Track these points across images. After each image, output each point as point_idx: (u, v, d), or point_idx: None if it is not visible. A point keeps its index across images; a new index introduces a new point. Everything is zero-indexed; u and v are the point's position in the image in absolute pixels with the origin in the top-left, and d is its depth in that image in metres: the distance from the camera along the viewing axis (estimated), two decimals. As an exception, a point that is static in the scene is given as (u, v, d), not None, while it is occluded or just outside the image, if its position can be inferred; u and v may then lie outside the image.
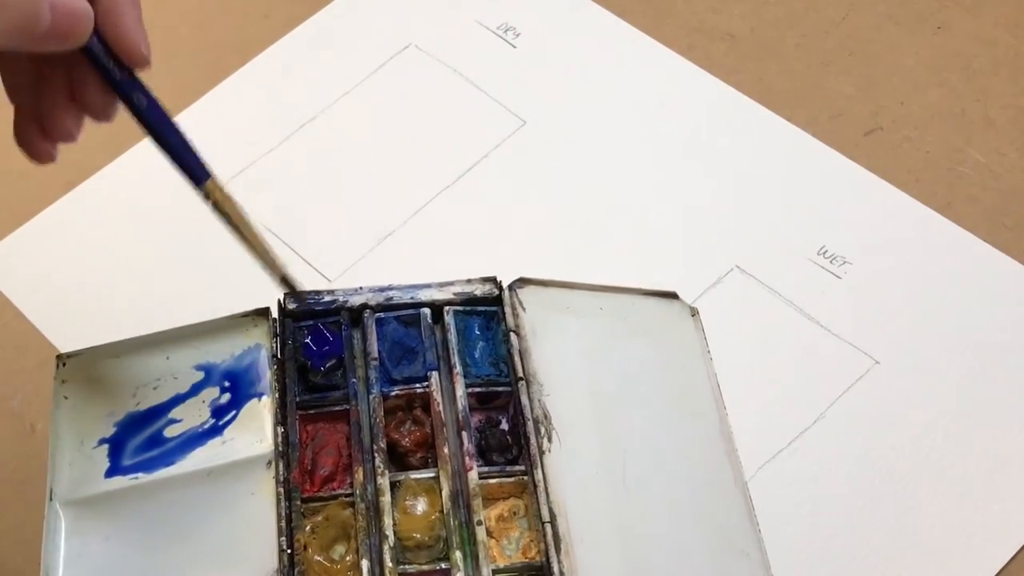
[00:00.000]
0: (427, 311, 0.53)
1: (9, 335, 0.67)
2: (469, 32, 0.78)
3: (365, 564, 0.46)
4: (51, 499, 0.49)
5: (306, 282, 0.68)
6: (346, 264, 0.69)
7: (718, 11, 0.78)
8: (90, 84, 0.47)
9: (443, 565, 0.47)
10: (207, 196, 0.49)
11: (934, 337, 0.65)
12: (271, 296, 0.67)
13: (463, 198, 0.71)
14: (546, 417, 0.50)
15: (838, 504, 0.59)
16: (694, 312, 0.55)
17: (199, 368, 0.52)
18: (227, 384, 0.52)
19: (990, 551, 0.58)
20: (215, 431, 0.51)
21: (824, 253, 0.68)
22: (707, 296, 0.66)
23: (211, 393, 0.52)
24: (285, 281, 0.52)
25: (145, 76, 0.81)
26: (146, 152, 0.74)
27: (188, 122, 0.75)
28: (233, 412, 0.51)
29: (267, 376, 0.51)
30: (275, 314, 0.53)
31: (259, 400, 0.51)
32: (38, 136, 0.48)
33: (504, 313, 0.53)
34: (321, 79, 0.77)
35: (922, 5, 0.78)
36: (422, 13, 0.80)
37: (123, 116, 0.50)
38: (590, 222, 0.70)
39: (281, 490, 0.48)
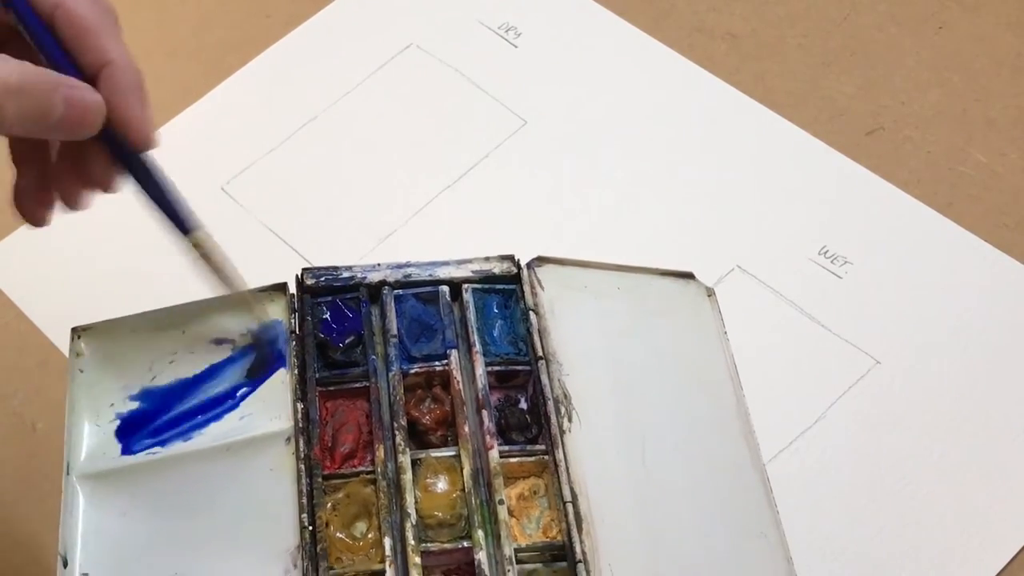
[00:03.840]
0: (446, 288, 0.53)
1: (9, 335, 0.67)
2: (470, 32, 0.78)
3: (388, 541, 0.46)
4: (68, 473, 0.49)
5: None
6: (347, 264, 0.68)
7: (719, 11, 0.78)
8: (96, 159, 0.48)
9: (465, 543, 0.47)
10: (195, 246, 0.49)
11: (935, 337, 0.65)
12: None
13: (464, 198, 0.71)
14: (566, 397, 0.50)
15: (839, 504, 0.59)
16: (710, 292, 0.55)
17: (216, 342, 0.52)
18: (244, 359, 0.52)
19: (990, 551, 0.58)
20: (233, 406, 0.51)
21: (825, 253, 0.68)
22: (708, 296, 0.66)
23: (228, 367, 0.51)
24: (262, 335, 0.51)
25: (147, 76, 0.81)
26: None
27: (189, 122, 0.75)
28: (250, 387, 0.51)
29: (285, 351, 0.51)
30: (293, 289, 0.53)
31: (277, 375, 0.51)
32: (37, 203, 0.49)
33: (523, 291, 0.53)
34: (322, 79, 0.77)
35: (923, 5, 0.78)
36: (423, 13, 0.80)
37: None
38: (590, 222, 0.70)
39: (302, 466, 0.48)
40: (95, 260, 0.69)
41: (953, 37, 0.77)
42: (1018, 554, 0.58)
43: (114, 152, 0.47)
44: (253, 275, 0.68)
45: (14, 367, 0.66)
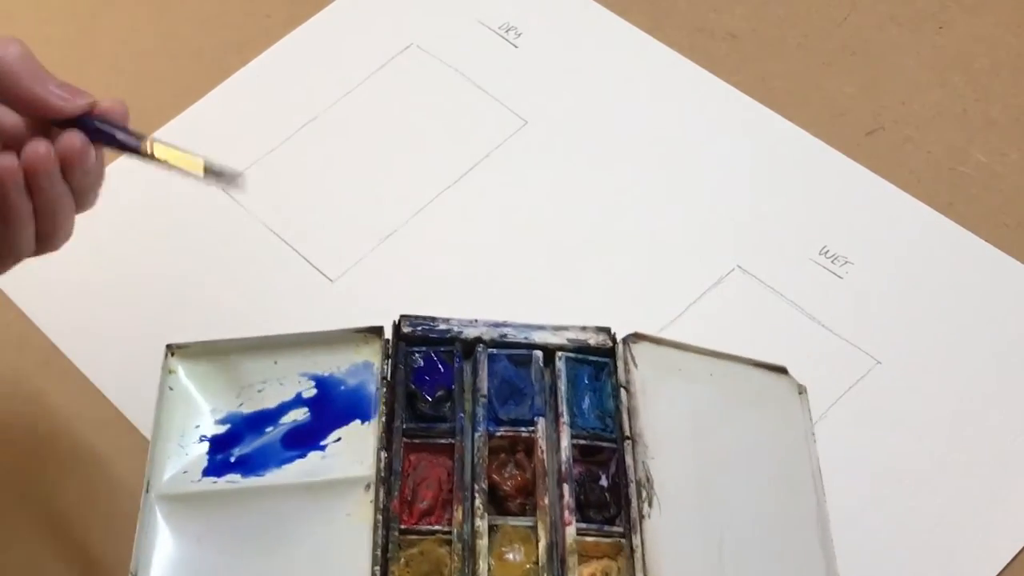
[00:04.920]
0: (539, 353, 0.53)
1: (10, 335, 0.67)
2: (471, 32, 0.78)
3: None
4: (147, 491, 0.49)
5: (307, 281, 0.68)
6: (348, 264, 0.69)
7: (720, 11, 0.78)
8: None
9: None
10: (154, 157, 0.50)
11: (936, 337, 0.65)
12: (274, 297, 0.67)
13: (464, 198, 0.71)
14: (648, 481, 0.49)
15: (839, 504, 0.59)
16: (802, 390, 0.55)
17: (306, 377, 0.52)
18: (333, 398, 0.51)
19: (991, 551, 0.58)
20: (317, 444, 0.50)
21: (826, 253, 0.68)
22: (708, 296, 0.66)
23: (316, 404, 0.51)
24: (210, 172, 0.50)
25: (147, 76, 0.81)
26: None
27: (190, 122, 0.75)
28: (337, 427, 0.51)
29: (375, 397, 0.51)
30: (388, 335, 0.53)
31: (364, 420, 0.51)
32: None
33: (616, 367, 0.52)
34: (322, 79, 0.77)
35: (924, 5, 0.78)
36: (423, 13, 0.79)
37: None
38: (591, 222, 0.70)
39: (380, 517, 0.47)
40: (96, 260, 0.69)
41: (953, 37, 0.76)
42: (1018, 554, 0.58)
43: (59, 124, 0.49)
44: (253, 275, 0.69)
45: (14, 367, 0.66)
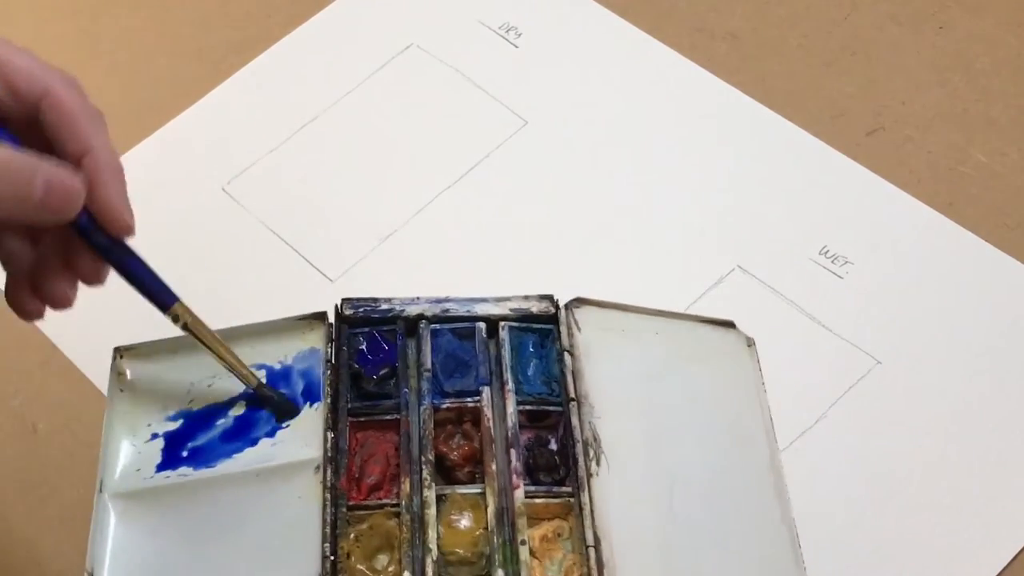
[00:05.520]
0: (482, 325, 0.53)
1: (10, 335, 0.67)
2: (471, 32, 0.78)
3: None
4: (100, 491, 0.49)
5: (307, 281, 0.68)
6: (348, 264, 0.69)
7: (720, 11, 0.78)
8: (84, 251, 0.48)
9: None
10: (176, 318, 0.50)
11: (936, 337, 0.65)
12: (274, 297, 0.67)
13: (465, 198, 0.71)
14: (596, 440, 0.50)
15: (839, 504, 0.59)
16: (750, 342, 0.55)
17: (254, 367, 0.52)
18: (281, 385, 0.52)
19: (991, 551, 0.58)
20: (266, 432, 0.51)
21: (826, 253, 0.68)
22: (708, 296, 0.66)
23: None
24: (261, 388, 0.51)
25: (148, 76, 0.81)
26: (147, 153, 0.74)
27: (189, 122, 0.75)
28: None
29: (320, 380, 0.51)
30: (332, 319, 0.53)
31: (311, 404, 0.51)
32: (30, 298, 0.49)
33: (559, 332, 0.53)
34: (323, 79, 0.77)
35: (924, 5, 0.78)
36: (424, 13, 0.80)
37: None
38: (591, 222, 0.70)
39: (328, 496, 0.48)
40: (95, 260, 0.69)
41: (953, 37, 0.76)
42: (1018, 554, 0.58)
43: (92, 239, 0.47)
44: (254, 275, 0.69)
45: (14, 367, 0.66)
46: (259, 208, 0.71)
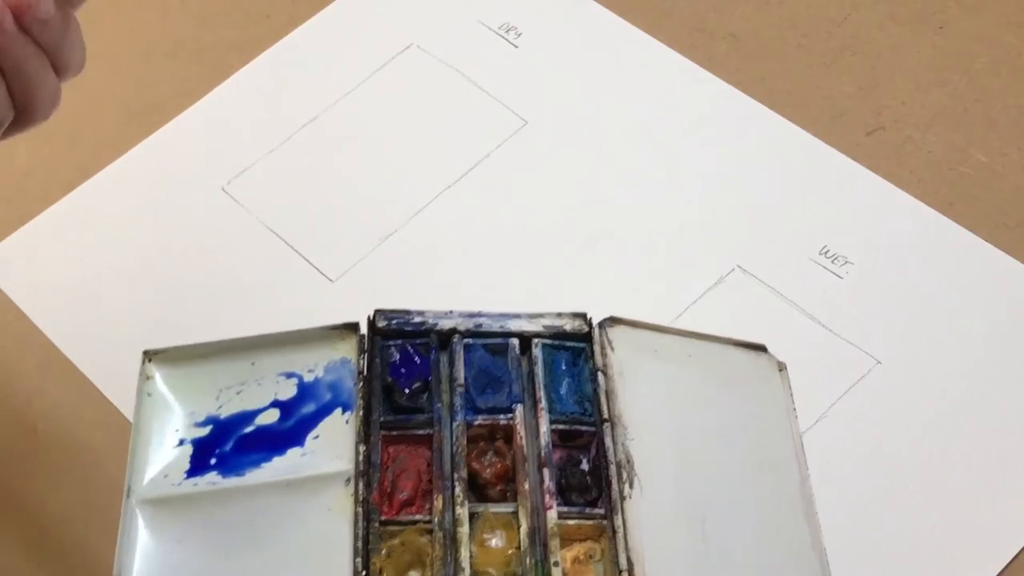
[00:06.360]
0: (515, 341, 0.53)
1: (10, 335, 0.67)
2: (471, 32, 0.78)
3: None
4: (128, 496, 0.49)
5: (307, 281, 0.68)
6: (348, 264, 0.69)
7: (720, 11, 0.78)
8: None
9: None
10: None
11: (936, 337, 0.65)
12: (274, 297, 0.67)
13: (465, 198, 0.71)
14: (629, 462, 0.49)
15: (839, 504, 0.59)
16: (782, 367, 0.55)
17: (284, 376, 0.52)
18: (311, 395, 0.52)
19: (991, 551, 0.58)
20: (296, 441, 0.50)
21: (826, 253, 0.68)
22: (708, 296, 0.66)
23: (294, 402, 0.51)
24: None
25: (148, 75, 0.81)
26: (147, 153, 0.74)
27: (189, 122, 0.75)
28: (315, 424, 0.51)
29: (352, 392, 0.51)
30: (364, 330, 0.53)
31: (342, 415, 0.51)
32: None
33: (593, 351, 0.52)
34: (323, 79, 0.77)
35: (924, 5, 0.78)
36: (424, 13, 0.79)
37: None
38: (591, 222, 0.70)
39: (360, 510, 0.48)
40: (96, 261, 0.69)
41: (953, 37, 0.76)
42: (1018, 554, 0.58)
43: None
44: (254, 275, 0.69)
45: (14, 367, 0.66)
46: (259, 208, 0.71)
